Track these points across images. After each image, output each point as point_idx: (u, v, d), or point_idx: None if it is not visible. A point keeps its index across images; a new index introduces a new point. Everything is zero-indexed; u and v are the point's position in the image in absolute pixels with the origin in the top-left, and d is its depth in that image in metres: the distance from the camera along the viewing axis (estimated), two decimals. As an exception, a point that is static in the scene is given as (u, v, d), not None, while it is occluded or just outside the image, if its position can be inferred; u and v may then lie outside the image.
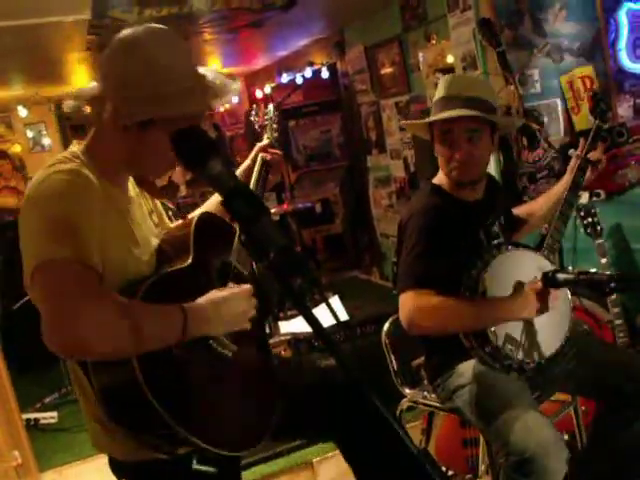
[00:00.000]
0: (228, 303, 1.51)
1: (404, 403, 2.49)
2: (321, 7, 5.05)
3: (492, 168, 3.49)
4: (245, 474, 1.98)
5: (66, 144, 7.52)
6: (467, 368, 2.13)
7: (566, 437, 2.58)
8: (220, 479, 1.56)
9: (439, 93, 2.19)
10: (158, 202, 1.82)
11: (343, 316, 3.85)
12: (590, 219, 2.99)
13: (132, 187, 1.68)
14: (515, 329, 2.05)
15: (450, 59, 4.36)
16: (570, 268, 3.09)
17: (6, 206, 6.05)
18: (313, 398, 1.83)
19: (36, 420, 4.34)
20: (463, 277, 2.06)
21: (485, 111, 2.10)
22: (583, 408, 2.49)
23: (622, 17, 3.55)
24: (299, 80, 6.86)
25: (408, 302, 2.03)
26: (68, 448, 3.99)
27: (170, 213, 1.91)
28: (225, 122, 8.73)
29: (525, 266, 2.12)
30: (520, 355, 2.04)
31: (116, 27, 4.11)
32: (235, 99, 6.17)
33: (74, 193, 1.41)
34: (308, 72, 6.62)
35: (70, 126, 7.61)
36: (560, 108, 3.71)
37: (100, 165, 1.52)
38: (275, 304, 1.85)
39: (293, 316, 3.81)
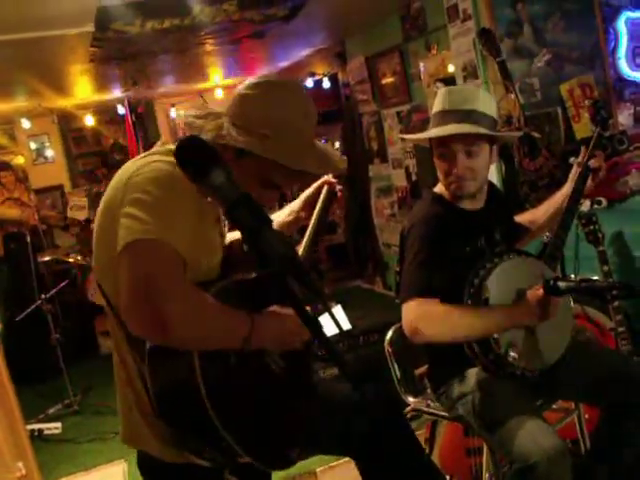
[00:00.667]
0: (289, 322, 1.53)
1: (407, 412, 2.48)
2: (322, 18, 5.08)
3: (494, 176, 3.50)
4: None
5: (69, 156, 7.56)
6: (470, 376, 2.14)
7: (570, 444, 2.57)
8: None
9: (437, 107, 2.19)
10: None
11: (346, 325, 3.85)
12: (591, 227, 2.99)
13: None
14: (518, 337, 2.05)
15: (451, 69, 4.38)
16: (572, 276, 3.09)
17: (10, 217, 6.06)
18: (334, 414, 1.83)
19: (40, 431, 4.34)
20: (465, 285, 2.06)
21: (485, 124, 2.10)
22: (586, 416, 2.48)
23: (621, 26, 3.58)
24: (301, 90, 6.87)
25: (411, 311, 2.03)
26: (72, 459, 4.00)
27: None
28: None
29: (527, 274, 2.12)
30: (523, 363, 2.04)
31: (119, 39, 4.15)
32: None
33: (175, 182, 1.44)
34: (309, 82, 6.66)
35: (73, 138, 7.65)
36: (560, 116, 3.72)
37: None
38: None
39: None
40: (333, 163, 1.69)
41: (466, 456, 2.75)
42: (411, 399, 2.51)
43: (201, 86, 7.35)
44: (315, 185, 2.16)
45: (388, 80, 5.56)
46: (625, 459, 2.14)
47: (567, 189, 2.32)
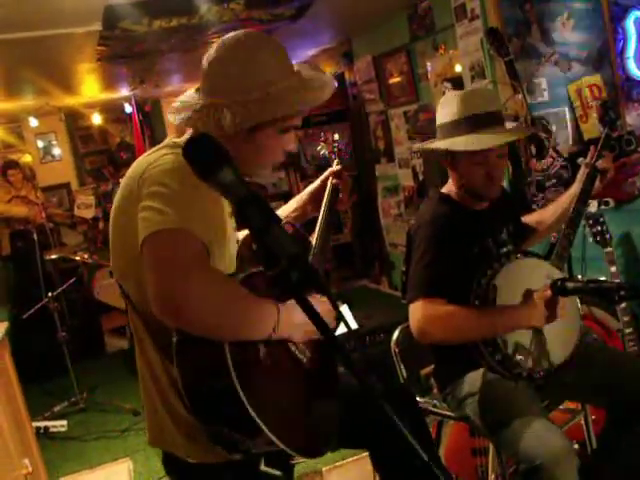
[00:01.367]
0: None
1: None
2: (329, 18, 5.07)
3: (500, 177, 3.49)
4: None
5: (76, 154, 7.58)
6: (477, 377, 2.13)
7: (576, 446, 2.57)
8: None
9: (458, 112, 2.12)
10: None
11: (352, 325, 3.85)
12: (599, 227, 2.98)
13: None
14: (525, 337, 2.05)
15: (458, 68, 4.37)
16: (579, 277, 3.09)
17: (17, 215, 6.08)
18: (355, 407, 1.83)
19: (46, 428, 4.36)
20: (472, 285, 2.06)
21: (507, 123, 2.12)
22: (593, 417, 2.48)
23: (630, 25, 3.55)
24: (307, 90, 6.87)
25: (418, 311, 2.03)
26: (77, 457, 4.01)
27: None
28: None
29: (534, 274, 2.12)
30: (530, 363, 2.04)
31: (126, 38, 4.16)
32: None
33: (189, 172, 1.43)
34: (316, 82, 6.64)
35: (80, 136, 7.67)
36: (568, 117, 3.71)
37: None
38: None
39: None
40: (326, 84, 1.68)
41: (472, 456, 2.74)
42: (417, 399, 2.50)
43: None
44: (321, 178, 2.16)
45: (395, 80, 5.56)
46: (632, 460, 2.13)
47: (575, 189, 2.32)
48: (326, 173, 2.16)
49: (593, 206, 3.18)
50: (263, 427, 1.36)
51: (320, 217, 2.06)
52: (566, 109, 3.72)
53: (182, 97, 1.66)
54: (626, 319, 2.91)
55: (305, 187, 2.22)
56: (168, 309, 1.33)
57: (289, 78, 1.59)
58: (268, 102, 1.53)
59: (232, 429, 1.44)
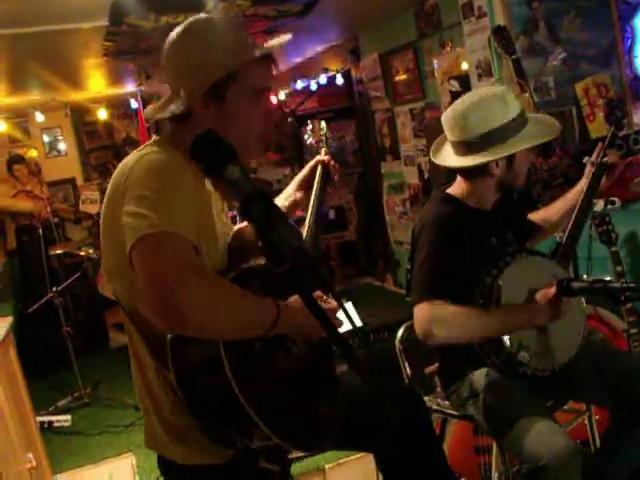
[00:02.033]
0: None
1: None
2: (336, 14, 5.06)
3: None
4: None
5: (82, 149, 7.59)
6: (481, 375, 2.13)
7: (580, 445, 2.56)
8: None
9: (501, 118, 2.08)
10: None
11: (357, 323, 3.85)
12: (605, 227, 2.97)
13: (209, 185, 1.69)
14: (529, 337, 2.04)
15: (465, 66, 4.36)
16: (584, 276, 3.07)
17: (22, 210, 6.09)
18: (360, 409, 1.83)
19: (50, 423, 4.37)
20: (477, 285, 2.06)
21: None
22: (597, 417, 2.47)
23: (638, 24, 3.54)
24: (313, 87, 6.88)
25: (422, 313, 2.02)
26: (81, 451, 4.02)
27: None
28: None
29: (539, 274, 2.11)
30: (534, 363, 2.03)
31: (133, 33, 4.15)
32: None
33: (169, 170, 1.44)
34: (323, 79, 6.64)
35: (86, 131, 7.68)
36: (575, 115, 3.70)
37: (186, 155, 1.49)
38: None
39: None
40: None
41: (475, 455, 2.74)
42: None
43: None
44: (309, 165, 2.16)
45: (401, 77, 5.55)
46: (636, 461, 2.13)
47: (582, 185, 2.31)
48: (313, 161, 2.16)
49: (599, 205, 3.16)
50: (259, 422, 1.36)
51: (310, 204, 2.06)
52: (573, 108, 3.70)
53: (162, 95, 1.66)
54: (631, 319, 2.90)
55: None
56: (168, 316, 1.30)
57: (243, 44, 1.57)
58: (211, 55, 1.52)
59: (228, 425, 1.44)
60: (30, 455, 2.85)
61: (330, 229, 7.30)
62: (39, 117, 6.65)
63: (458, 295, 2.01)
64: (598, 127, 3.57)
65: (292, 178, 2.25)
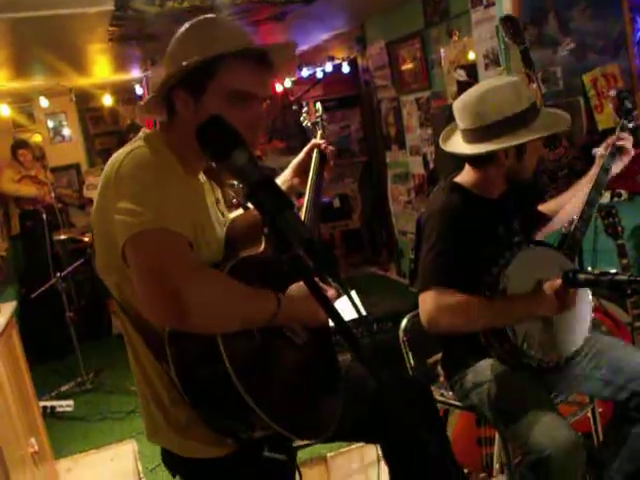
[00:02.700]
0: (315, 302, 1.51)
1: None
2: (343, 2, 5.04)
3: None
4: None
5: (86, 135, 7.58)
6: (485, 366, 2.12)
7: (582, 438, 2.56)
8: (281, 470, 1.59)
9: (514, 107, 2.06)
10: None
11: (362, 311, 3.84)
12: (611, 219, 2.95)
13: (201, 177, 1.68)
14: (534, 328, 2.03)
15: (472, 56, 4.33)
16: (590, 268, 3.06)
17: (26, 195, 6.09)
18: (363, 399, 1.82)
19: (52, 408, 4.39)
20: (483, 275, 2.05)
21: None
22: (600, 409, 2.47)
23: (648, 15, 3.50)
24: (319, 75, 6.86)
25: (428, 302, 2.02)
26: (84, 437, 4.04)
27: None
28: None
29: (546, 264, 2.10)
30: (539, 354, 2.03)
31: (138, 19, 4.13)
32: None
33: (156, 164, 1.42)
34: (328, 67, 6.62)
35: (90, 117, 7.66)
36: (583, 106, 3.67)
37: (174, 151, 1.51)
38: None
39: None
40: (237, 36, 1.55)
41: (477, 445, 2.74)
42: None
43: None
44: (305, 150, 2.14)
45: (408, 66, 5.52)
46: (639, 453, 2.12)
47: (594, 171, 2.28)
48: (309, 145, 2.14)
49: (606, 198, 3.15)
50: (258, 411, 1.35)
51: (307, 189, 2.04)
52: (580, 99, 3.67)
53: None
54: (636, 312, 2.89)
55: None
56: (170, 314, 1.29)
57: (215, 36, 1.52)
58: (187, 44, 1.50)
59: (228, 415, 1.43)
60: (32, 440, 2.86)
61: (334, 217, 7.29)
62: (44, 102, 6.63)
63: (464, 284, 2.01)
64: (606, 118, 3.55)
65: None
